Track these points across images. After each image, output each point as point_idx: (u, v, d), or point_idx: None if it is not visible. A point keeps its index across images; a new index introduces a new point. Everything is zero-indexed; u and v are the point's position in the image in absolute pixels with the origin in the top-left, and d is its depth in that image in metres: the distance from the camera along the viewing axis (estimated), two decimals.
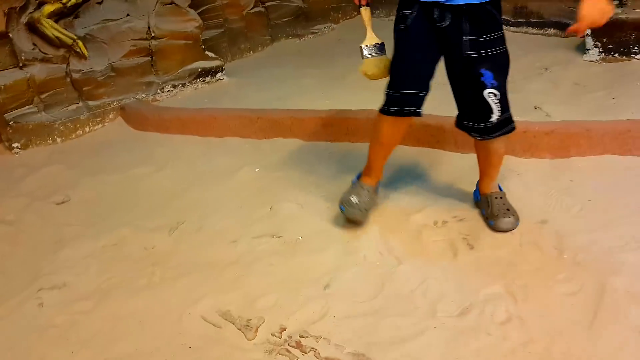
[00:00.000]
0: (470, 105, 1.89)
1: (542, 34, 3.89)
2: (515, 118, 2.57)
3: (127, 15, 3.19)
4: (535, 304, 1.65)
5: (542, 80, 3.17)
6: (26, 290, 1.94)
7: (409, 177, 2.38)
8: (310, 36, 4.44)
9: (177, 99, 3.41)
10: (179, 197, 2.46)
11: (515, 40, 3.85)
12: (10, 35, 2.88)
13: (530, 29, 3.96)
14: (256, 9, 4.10)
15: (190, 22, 3.40)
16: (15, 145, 2.93)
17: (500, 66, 1.90)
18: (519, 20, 3.99)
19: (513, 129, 1.97)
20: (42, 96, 2.99)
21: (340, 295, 1.77)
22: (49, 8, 2.92)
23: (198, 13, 3.61)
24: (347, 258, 1.94)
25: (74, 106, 3.08)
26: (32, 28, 2.93)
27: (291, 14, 4.33)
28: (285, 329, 1.66)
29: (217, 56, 3.63)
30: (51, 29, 2.93)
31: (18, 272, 2.07)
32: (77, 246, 2.17)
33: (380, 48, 1.94)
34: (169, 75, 3.37)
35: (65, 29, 3.01)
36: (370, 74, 1.93)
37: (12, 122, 2.90)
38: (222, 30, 3.90)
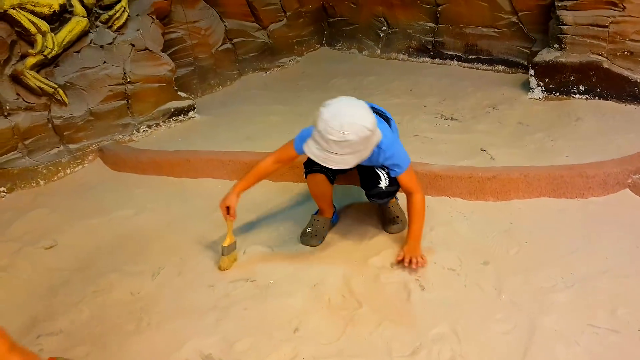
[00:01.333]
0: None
1: (491, 70, 4.22)
2: (463, 161, 2.91)
3: (104, 62, 3.37)
4: (476, 343, 1.91)
5: (489, 119, 3.47)
6: (27, 337, 2.10)
7: (369, 221, 2.65)
8: (276, 69, 4.68)
9: (152, 138, 3.60)
10: (158, 241, 2.65)
11: (467, 76, 4.19)
12: None
13: (481, 65, 4.28)
14: (224, 46, 4.32)
15: (163, 66, 3.59)
16: (1, 189, 3.08)
17: None
18: (470, 56, 4.31)
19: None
20: (26, 142, 3.14)
21: (308, 338, 2.01)
22: (31, 60, 3.08)
23: (169, 53, 3.81)
24: (314, 301, 2.18)
25: (55, 150, 3.24)
26: (16, 79, 3.08)
27: (257, 49, 4.55)
28: None
29: (188, 95, 3.84)
30: (33, 79, 3.09)
31: (16, 317, 2.21)
32: (69, 292, 2.34)
33: (234, 247, 2.47)
34: (144, 116, 3.56)
35: (47, 79, 3.17)
36: (224, 268, 2.42)
37: None
38: (193, 68, 4.11)
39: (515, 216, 2.60)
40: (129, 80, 3.45)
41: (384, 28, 4.70)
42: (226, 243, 2.41)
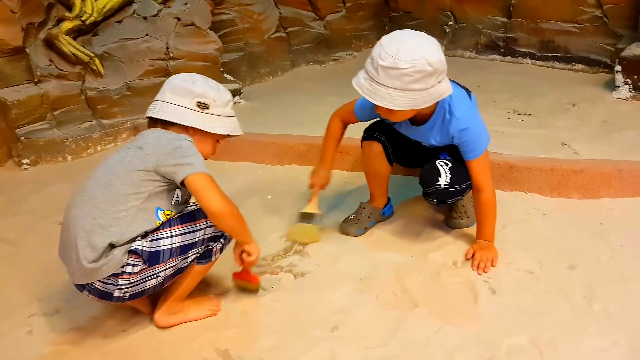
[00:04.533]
0: None
1: (569, 69, 3.79)
2: (541, 154, 2.48)
3: (146, 35, 3.15)
4: None
5: (569, 116, 3.04)
6: (18, 315, 1.83)
7: (430, 217, 2.26)
8: (331, 63, 4.37)
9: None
10: None
11: (542, 74, 3.77)
12: (27, 51, 2.85)
13: (557, 63, 3.86)
14: (277, 34, 4.05)
15: (210, 44, 3.35)
16: (24, 161, 2.87)
17: None
18: (546, 54, 3.89)
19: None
20: (55, 113, 2.94)
21: (349, 339, 1.63)
22: (67, 25, 2.89)
23: (218, 36, 3.57)
24: (359, 297, 1.81)
25: (87, 124, 3.03)
26: (50, 44, 2.90)
27: (312, 40, 4.27)
28: None
29: (236, 79, 3.57)
30: (68, 45, 2.90)
31: (13, 294, 1.96)
32: None
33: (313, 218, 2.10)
34: None
35: (83, 47, 2.98)
36: (314, 239, 2.09)
37: (23, 138, 2.85)
38: (242, 53, 3.85)
39: (606, 217, 2.16)
40: (171, 55, 3.22)
41: (450, 23, 4.34)
42: (316, 210, 2.11)
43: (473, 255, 1.92)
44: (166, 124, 1.64)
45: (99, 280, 1.51)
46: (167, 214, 1.59)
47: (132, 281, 1.52)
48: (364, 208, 2.20)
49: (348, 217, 2.20)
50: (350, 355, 1.57)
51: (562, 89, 3.42)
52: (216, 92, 1.66)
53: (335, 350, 1.59)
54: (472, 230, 2.08)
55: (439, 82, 1.68)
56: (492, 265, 1.87)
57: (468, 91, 1.94)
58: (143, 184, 1.55)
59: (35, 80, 2.87)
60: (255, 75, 3.94)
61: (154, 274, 1.55)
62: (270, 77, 4.03)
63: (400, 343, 1.60)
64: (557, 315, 1.68)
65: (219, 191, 1.55)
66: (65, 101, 2.96)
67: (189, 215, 1.61)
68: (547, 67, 3.85)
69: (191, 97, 1.62)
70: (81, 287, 1.57)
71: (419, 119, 1.89)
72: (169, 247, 1.54)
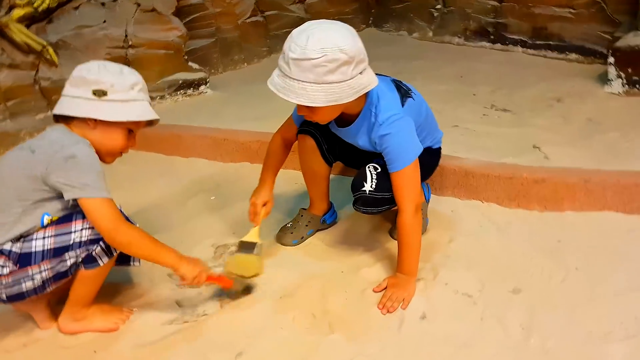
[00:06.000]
0: None
1: (562, 59, 3.53)
2: (507, 158, 2.29)
3: (104, 21, 3.00)
4: None
5: (551, 113, 2.82)
6: None
7: (374, 221, 2.10)
8: None
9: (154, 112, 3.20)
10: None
11: (532, 64, 3.53)
12: None
13: (550, 52, 3.60)
14: (253, 18, 3.83)
15: (173, 31, 3.18)
16: None
17: None
18: (538, 42, 3.63)
19: None
20: (9, 104, 2.83)
21: None
22: (18, 12, 2.75)
23: (187, 21, 3.41)
24: (274, 318, 1.67)
25: (41, 115, 2.91)
26: (1, 33, 2.77)
27: (292, 25, 3.96)
28: None
29: (202, 68, 3.40)
30: (20, 34, 2.77)
31: None
32: None
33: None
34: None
35: (37, 35, 2.85)
36: (258, 272, 1.78)
37: None
38: (214, 39, 3.65)
39: (567, 233, 1.97)
40: (130, 43, 3.07)
41: (438, 7, 4.08)
42: (257, 239, 1.82)
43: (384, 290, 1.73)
44: (68, 120, 1.53)
45: None
46: (54, 219, 1.50)
47: (3, 282, 1.46)
48: (301, 216, 2.05)
49: (285, 225, 2.05)
50: None
51: (549, 82, 3.18)
52: (114, 77, 1.51)
53: None
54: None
55: (360, 73, 1.52)
56: (402, 308, 1.66)
57: (407, 93, 1.75)
58: (28, 192, 1.46)
59: None
60: (229, 63, 3.75)
61: (27, 276, 1.48)
62: (245, 64, 3.84)
63: None
64: (487, 348, 1.53)
65: (114, 218, 1.46)
66: (19, 92, 2.84)
67: (65, 217, 1.50)
68: (539, 56, 3.60)
69: (86, 86, 1.49)
70: None
71: (345, 119, 1.72)
72: (40, 249, 1.47)
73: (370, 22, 4.45)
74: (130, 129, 1.60)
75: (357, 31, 1.57)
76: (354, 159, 1.94)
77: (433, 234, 2.00)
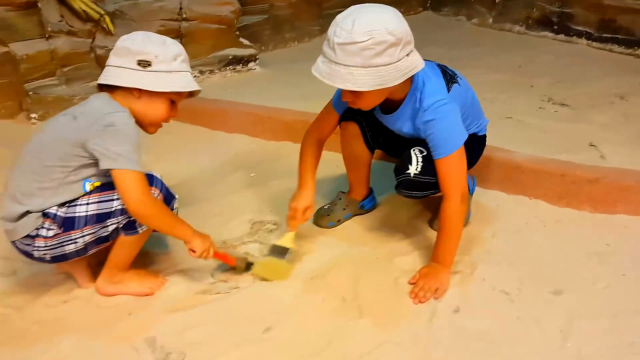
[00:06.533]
0: None
1: (629, 54, 3.35)
2: (560, 155, 2.18)
3: None
4: None
5: (612, 111, 2.68)
6: None
7: (414, 210, 2.05)
8: None
9: (202, 86, 3.11)
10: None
11: (597, 58, 3.36)
12: (39, 6, 2.82)
13: (617, 46, 3.42)
14: None
15: (226, 6, 3.18)
16: (33, 115, 2.89)
17: None
18: (605, 35, 3.44)
19: None
20: (65, 69, 2.91)
21: (278, 344, 1.50)
22: None
23: None
24: (304, 298, 1.66)
25: (95, 82, 2.95)
26: (61, 0, 2.85)
27: (346, 4, 3.90)
28: None
29: (253, 44, 3.40)
30: (79, 2, 2.84)
31: None
32: None
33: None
34: (197, 60, 3.17)
35: (95, 4, 2.91)
36: (285, 276, 1.75)
37: (31, 93, 2.85)
38: (267, 16, 3.64)
39: (617, 237, 1.87)
40: (184, 16, 3.09)
41: None
42: (291, 245, 1.80)
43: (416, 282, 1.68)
44: (112, 89, 1.55)
45: (19, 241, 1.53)
46: (96, 185, 1.54)
47: (48, 244, 1.52)
48: (339, 199, 2.02)
49: (322, 206, 2.03)
50: None
51: (614, 77, 3.02)
52: (158, 48, 1.53)
53: (259, 353, 1.47)
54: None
55: (407, 55, 1.47)
56: (434, 298, 1.62)
57: (452, 79, 1.68)
58: (70, 157, 1.49)
59: (46, 36, 2.84)
60: (279, 40, 3.73)
61: (70, 240, 1.53)
62: (296, 42, 3.80)
63: (331, 356, 1.45)
64: (519, 347, 1.47)
65: (140, 192, 1.47)
66: (75, 58, 2.91)
67: (108, 184, 1.53)
68: (605, 50, 3.43)
69: (131, 56, 1.51)
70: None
71: (389, 105, 1.68)
72: (84, 214, 1.51)
73: (427, 5, 4.32)
74: (173, 100, 1.61)
75: (413, 14, 1.55)
76: (397, 148, 1.88)
77: (475, 227, 1.94)
